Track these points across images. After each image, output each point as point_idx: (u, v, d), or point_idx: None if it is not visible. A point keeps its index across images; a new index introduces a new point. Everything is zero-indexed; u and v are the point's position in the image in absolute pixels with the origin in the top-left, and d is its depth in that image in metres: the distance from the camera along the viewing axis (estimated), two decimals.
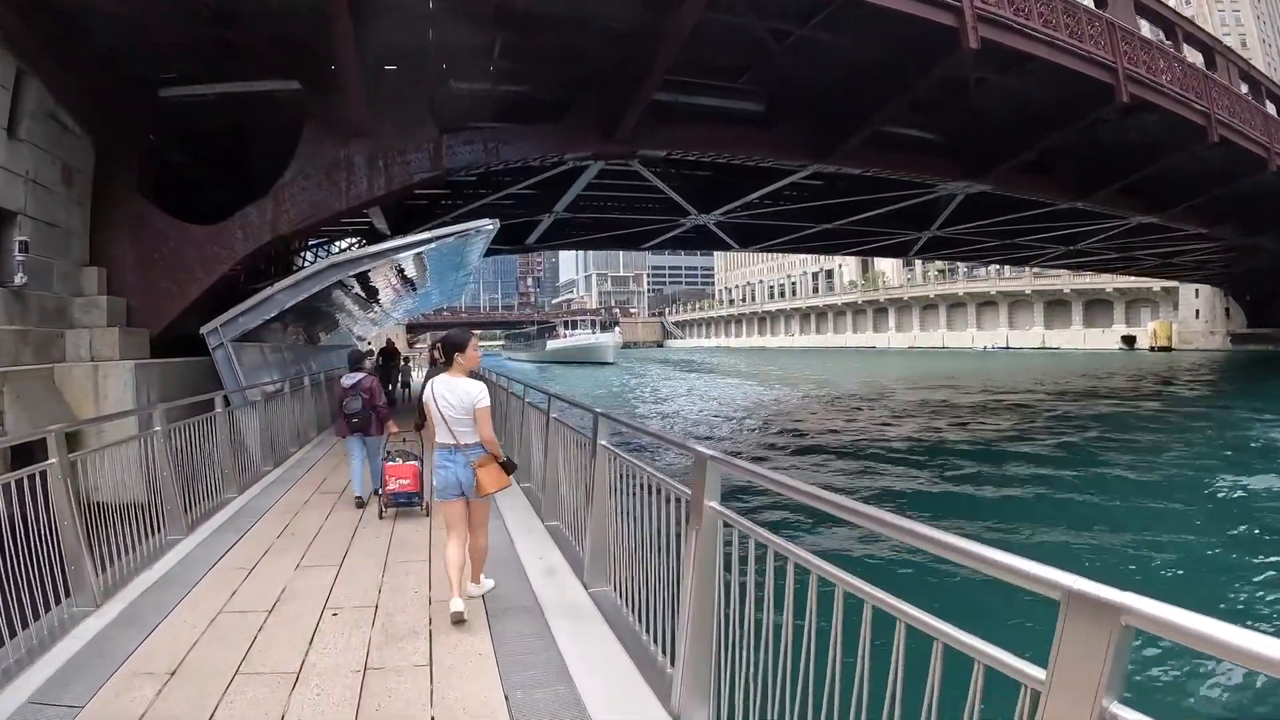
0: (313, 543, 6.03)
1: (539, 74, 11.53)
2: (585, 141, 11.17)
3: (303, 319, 14.65)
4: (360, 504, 7.20)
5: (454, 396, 4.23)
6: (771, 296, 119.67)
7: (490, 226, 9.53)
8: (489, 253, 20.94)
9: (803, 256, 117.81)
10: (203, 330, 9.72)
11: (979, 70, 12.27)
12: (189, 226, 10.12)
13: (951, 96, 13.11)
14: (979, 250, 28.10)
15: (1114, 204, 21.00)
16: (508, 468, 4.39)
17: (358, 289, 14.33)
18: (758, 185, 15.70)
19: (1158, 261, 38.99)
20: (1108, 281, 67.39)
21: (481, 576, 4.59)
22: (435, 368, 7.78)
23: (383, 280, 14.74)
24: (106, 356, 9.29)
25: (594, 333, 72.68)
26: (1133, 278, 61.93)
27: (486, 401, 4.30)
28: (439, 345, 8.40)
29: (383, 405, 7.52)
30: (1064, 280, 71.03)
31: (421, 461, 6.70)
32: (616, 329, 78.58)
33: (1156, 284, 63.09)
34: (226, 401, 7.73)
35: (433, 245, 9.27)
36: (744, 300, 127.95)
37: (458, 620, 4.06)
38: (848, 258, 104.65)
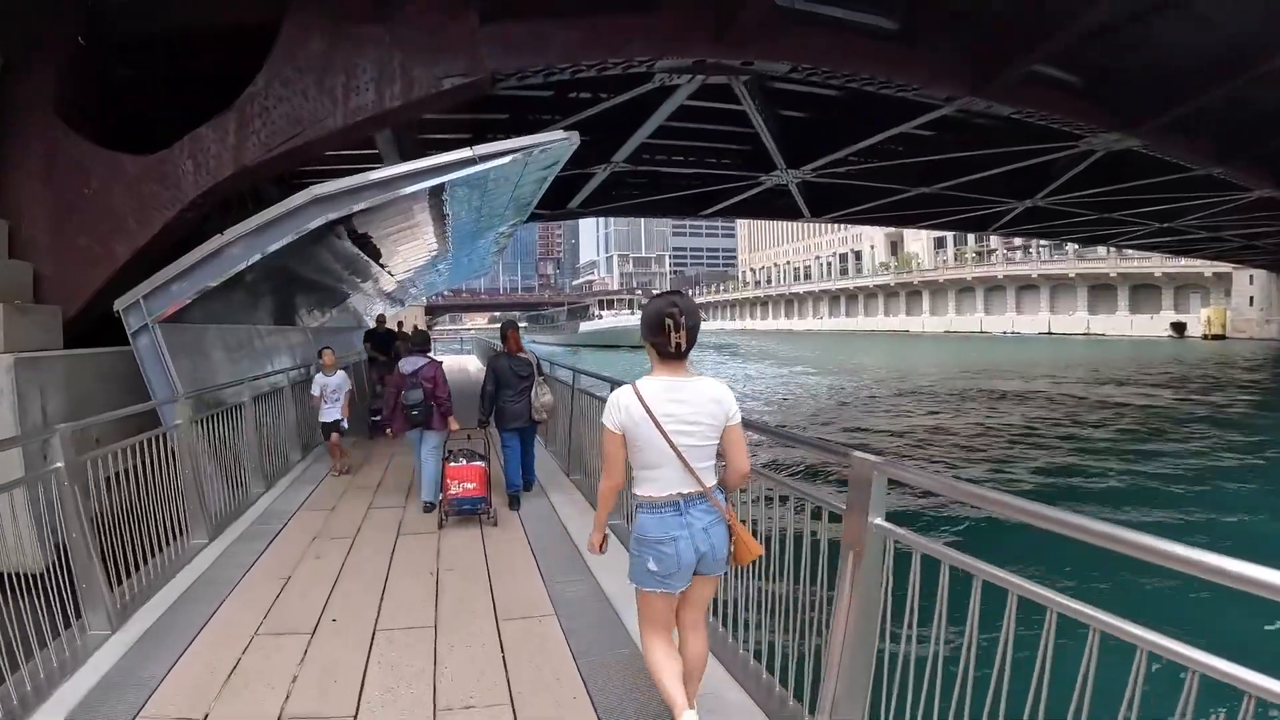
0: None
1: None
2: (690, 42, 7.99)
3: (288, 290, 11.21)
4: (429, 508, 6.40)
5: (689, 408, 2.63)
6: (797, 278, 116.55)
7: (566, 139, 6.47)
8: (530, 218, 18.17)
9: (829, 238, 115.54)
10: (117, 306, 6.58)
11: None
12: (119, 157, 7.10)
13: (1108, 34, 10.38)
14: (1070, 225, 24.98)
15: (1250, 173, 18.09)
16: None
17: (355, 247, 10.85)
18: (866, 132, 12.70)
19: (1240, 243, 35.77)
20: (1157, 265, 64.18)
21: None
22: (501, 357, 6.80)
23: (398, 236, 11.72)
24: None
25: (634, 314, 69.15)
26: (1188, 261, 59.17)
27: (739, 413, 2.73)
28: (511, 330, 6.85)
29: (445, 397, 6.60)
30: (1110, 263, 67.48)
31: (488, 462, 6.15)
32: None
33: (1208, 269, 59.85)
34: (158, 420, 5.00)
35: (480, 168, 5.97)
36: (769, 282, 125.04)
37: None
38: (877, 239, 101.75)
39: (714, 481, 2.72)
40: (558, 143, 6.34)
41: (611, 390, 3.01)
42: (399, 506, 6.71)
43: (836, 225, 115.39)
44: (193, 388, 6.25)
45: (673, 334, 2.57)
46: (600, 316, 72.33)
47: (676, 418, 2.59)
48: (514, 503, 6.54)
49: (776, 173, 14.31)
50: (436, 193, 7.17)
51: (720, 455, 2.74)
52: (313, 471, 7.97)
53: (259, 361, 9.04)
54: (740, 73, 8.94)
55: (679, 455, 2.59)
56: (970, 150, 14.88)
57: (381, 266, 14.36)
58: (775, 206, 19.64)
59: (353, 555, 5.28)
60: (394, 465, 8.38)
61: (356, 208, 6.17)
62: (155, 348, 6.32)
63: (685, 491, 2.64)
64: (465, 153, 5.96)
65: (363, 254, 11.47)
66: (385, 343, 12.40)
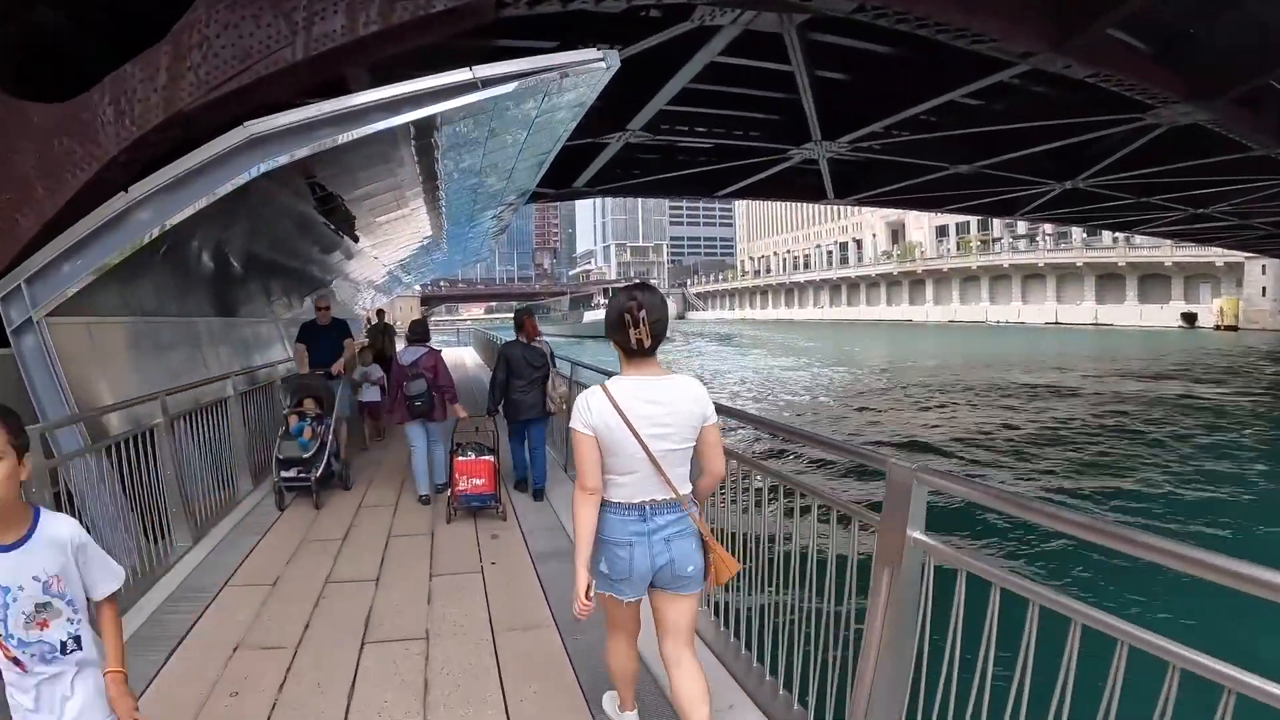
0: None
1: None
2: None
3: (251, 273, 9.33)
4: (425, 502, 6.43)
5: (665, 409, 2.48)
6: (796, 267, 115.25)
7: (600, 59, 4.77)
8: (532, 197, 16.62)
9: (829, 226, 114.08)
10: None
11: None
12: (25, 106, 5.42)
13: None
14: (1101, 210, 23.48)
15: None
16: None
17: (321, 214, 8.94)
18: (914, 98, 11.12)
19: (1266, 231, 34.52)
20: (1166, 255, 62.98)
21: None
22: (514, 345, 6.55)
23: (378, 205, 9.93)
24: None
25: None
26: (1199, 250, 58.36)
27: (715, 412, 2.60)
28: (527, 317, 6.60)
29: (449, 385, 6.60)
30: (1119, 252, 66.38)
31: (497, 455, 6.03)
32: (669, 299, 73.85)
33: (1219, 258, 58.90)
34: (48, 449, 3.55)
35: (481, 96, 4.24)
36: (768, 271, 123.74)
37: None
38: (878, 228, 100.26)
39: (689, 489, 2.59)
40: (589, 65, 4.72)
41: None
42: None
43: (837, 214, 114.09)
44: (100, 403, 4.73)
45: (632, 330, 2.44)
46: (604, 305, 70.52)
47: (651, 420, 2.45)
48: (538, 495, 6.46)
49: (809, 145, 12.71)
50: (424, 141, 5.66)
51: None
52: (264, 511, 6.34)
53: (200, 364, 7.27)
54: (798, 9, 7.42)
55: (653, 460, 2.46)
56: (1020, 122, 13.36)
57: (355, 240, 11.63)
58: (796, 186, 18.07)
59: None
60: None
61: (303, 152, 4.59)
62: (42, 351, 4.64)
63: (656, 498, 2.52)
64: (462, 74, 4.41)
65: (329, 222, 9.48)
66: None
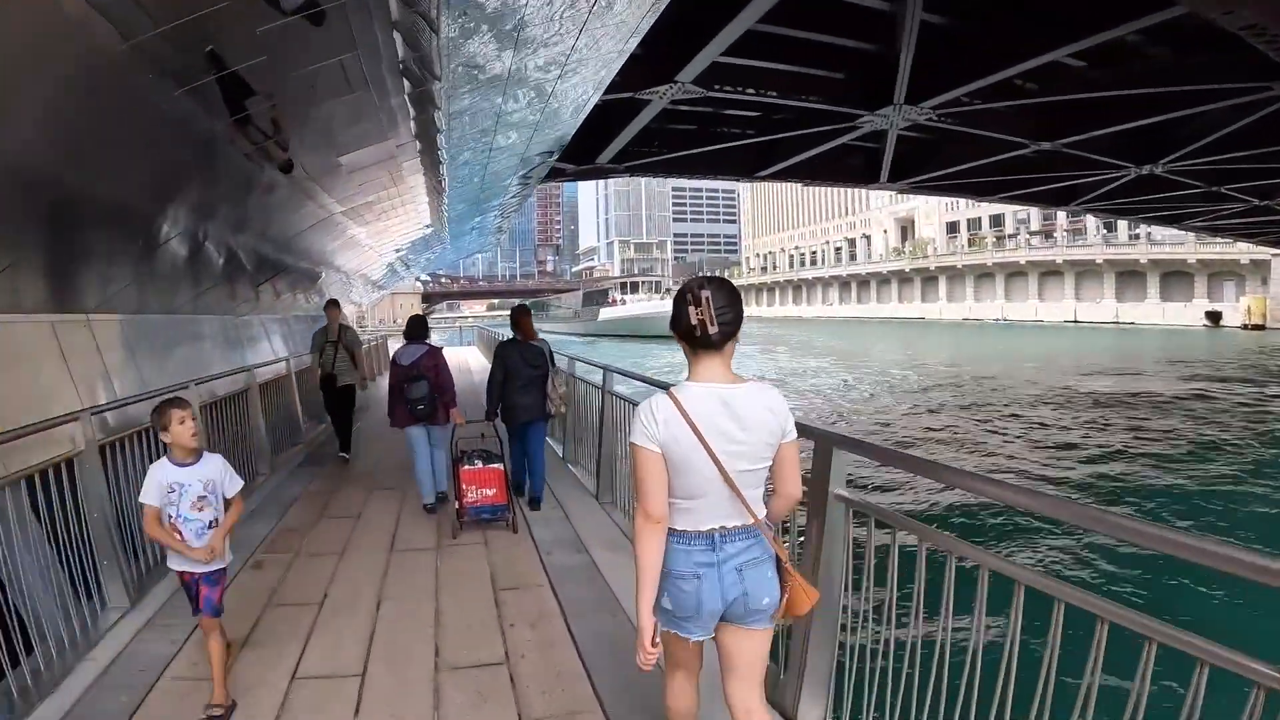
0: None
1: None
2: None
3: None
4: (431, 510, 6.13)
5: (742, 423, 2.16)
6: (803, 264, 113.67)
7: None
8: (550, 174, 14.64)
9: (837, 223, 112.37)
10: None
11: None
12: None
13: None
14: (1166, 200, 21.46)
15: None
16: None
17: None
18: (1016, 56, 9.14)
19: None
20: (1190, 251, 61.49)
21: None
22: (511, 345, 6.29)
23: (339, 132, 6.91)
24: None
25: (664, 299, 63.77)
26: (1224, 247, 57.31)
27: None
28: (523, 315, 6.41)
29: (449, 387, 6.20)
30: (1140, 249, 64.91)
31: (505, 462, 5.72)
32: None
33: (1245, 255, 57.79)
34: None
35: None
36: (774, 268, 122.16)
37: None
38: (888, 224, 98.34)
39: (764, 512, 2.27)
40: None
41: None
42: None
43: (845, 209, 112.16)
44: None
45: (691, 309, 2.12)
46: (623, 301, 67.52)
47: (726, 434, 2.13)
48: (534, 504, 6.18)
49: (885, 110, 10.58)
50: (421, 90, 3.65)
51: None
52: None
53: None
54: None
55: (728, 481, 2.14)
56: (1125, 89, 11.35)
57: (286, 173, 7.66)
58: (844, 168, 16.03)
59: None
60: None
61: None
62: None
63: (727, 525, 2.20)
64: None
65: (245, 138, 6.11)
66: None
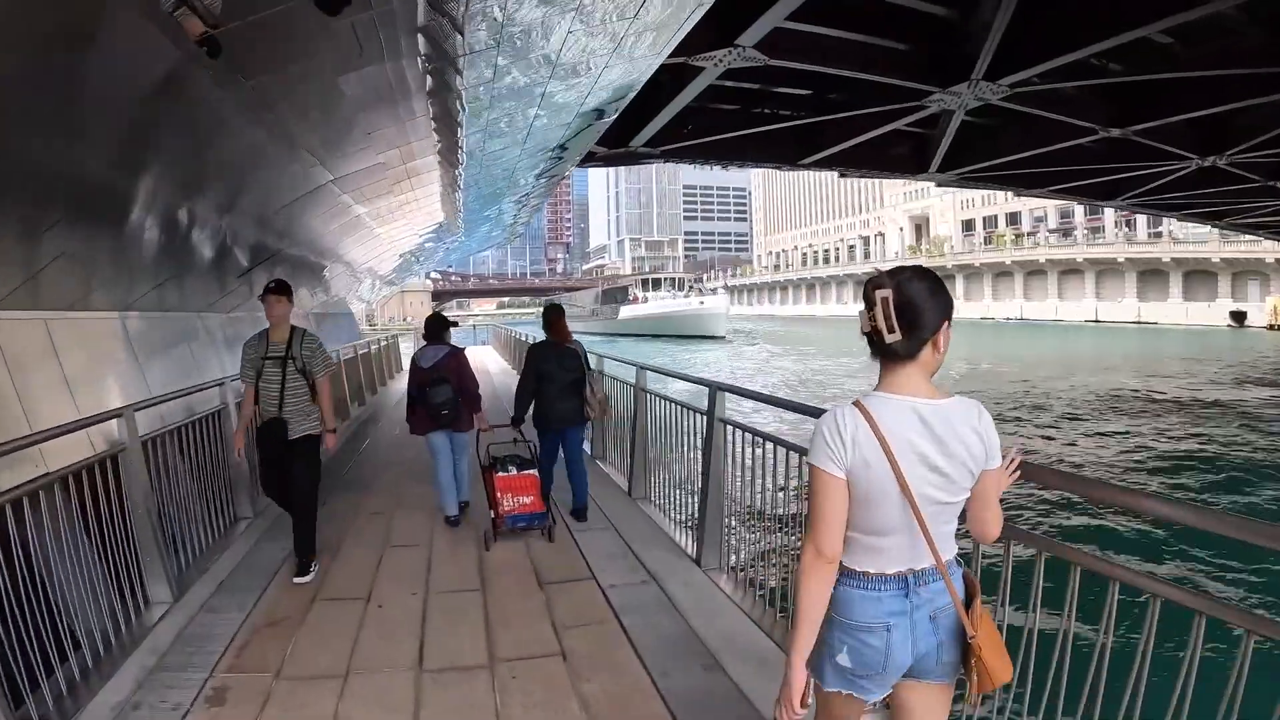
0: None
1: None
2: None
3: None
4: (454, 522, 5.79)
5: (941, 445, 1.77)
6: (817, 262, 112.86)
7: None
8: (584, 160, 13.83)
9: (850, 220, 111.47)
10: None
11: None
12: None
13: None
14: (1218, 195, 20.48)
15: None
16: None
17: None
18: (1106, 29, 8.30)
19: None
20: (1214, 250, 60.35)
21: None
22: (544, 347, 5.84)
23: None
24: None
25: (689, 296, 61.45)
26: (1249, 246, 56.16)
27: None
28: (557, 316, 6.01)
29: (475, 389, 5.91)
30: (1163, 247, 63.72)
31: (540, 469, 5.51)
32: (717, 291, 68.82)
33: (1270, 254, 56.86)
34: None
35: None
36: (787, 266, 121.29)
37: None
38: (903, 221, 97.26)
39: (954, 552, 1.91)
40: None
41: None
42: None
43: (858, 206, 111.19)
44: None
45: (864, 313, 1.82)
46: (645, 299, 65.34)
47: (925, 460, 1.75)
48: (579, 514, 5.87)
49: (958, 87, 9.69)
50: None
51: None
52: None
53: None
54: None
55: (919, 519, 1.76)
56: (1210, 69, 10.44)
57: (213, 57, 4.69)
58: (889, 156, 15.20)
59: None
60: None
61: None
62: None
63: (917, 567, 1.84)
64: None
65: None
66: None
